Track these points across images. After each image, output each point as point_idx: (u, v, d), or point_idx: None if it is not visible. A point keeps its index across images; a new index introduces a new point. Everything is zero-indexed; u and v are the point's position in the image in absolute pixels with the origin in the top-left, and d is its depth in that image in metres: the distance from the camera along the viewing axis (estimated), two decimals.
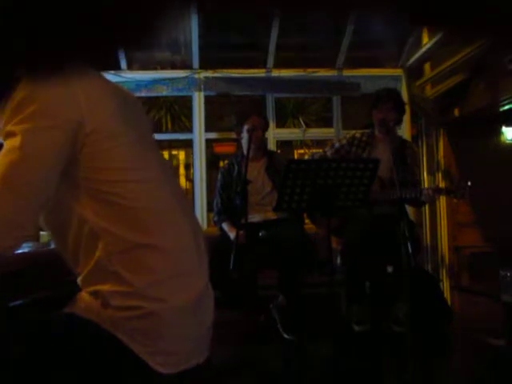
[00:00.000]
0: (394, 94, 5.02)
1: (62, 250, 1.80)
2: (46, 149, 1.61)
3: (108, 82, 1.85)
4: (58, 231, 1.78)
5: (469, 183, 4.46)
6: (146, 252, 1.70)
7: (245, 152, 5.00)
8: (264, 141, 5.46)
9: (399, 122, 5.05)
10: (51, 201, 1.68)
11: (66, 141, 1.64)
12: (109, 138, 1.70)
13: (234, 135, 5.50)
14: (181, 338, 1.75)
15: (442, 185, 7.02)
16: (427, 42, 6.81)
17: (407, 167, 4.97)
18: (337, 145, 5.12)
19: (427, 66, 7.26)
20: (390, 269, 4.93)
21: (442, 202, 7.28)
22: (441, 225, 7.33)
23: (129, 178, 1.72)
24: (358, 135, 5.13)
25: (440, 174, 7.30)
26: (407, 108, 5.39)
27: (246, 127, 5.07)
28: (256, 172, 5.16)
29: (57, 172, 1.64)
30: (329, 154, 5.08)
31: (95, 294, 1.69)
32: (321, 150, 5.27)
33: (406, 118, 6.85)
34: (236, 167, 5.24)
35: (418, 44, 6.97)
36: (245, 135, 5.07)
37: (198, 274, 1.86)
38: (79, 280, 1.75)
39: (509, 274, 4.59)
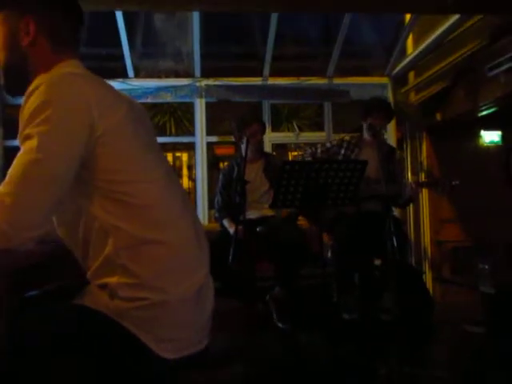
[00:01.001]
0: (385, 105, 5.07)
1: (73, 246, 1.79)
2: (60, 150, 1.60)
3: (114, 89, 1.84)
4: (69, 228, 1.78)
5: (454, 182, 4.45)
6: (152, 246, 1.69)
7: (243, 154, 4.99)
8: (262, 144, 5.48)
9: (385, 127, 5.10)
10: (65, 200, 1.67)
11: (79, 143, 1.63)
12: (118, 141, 1.70)
13: (233, 138, 5.49)
14: (184, 325, 1.74)
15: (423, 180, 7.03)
16: (412, 52, 6.81)
17: (393, 169, 4.99)
18: (328, 145, 5.16)
19: (411, 75, 7.27)
20: (377, 262, 4.93)
21: (425, 198, 7.28)
22: (424, 220, 7.32)
23: (138, 179, 1.72)
24: (347, 138, 5.16)
25: (423, 174, 7.30)
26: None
27: (246, 133, 5.05)
28: (254, 172, 5.18)
29: (70, 173, 1.63)
30: (319, 151, 5.09)
31: (104, 287, 1.69)
32: (313, 148, 5.26)
33: (392, 122, 6.85)
34: (236, 168, 5.25)
35: (403, 54, 6.97)
36: (244, 140, 5.07)
37: (200, 265, 1.85)
38: (88, 274, 1.74)
39: (486, 267, 4.60)
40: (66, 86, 1.66)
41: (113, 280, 1.67)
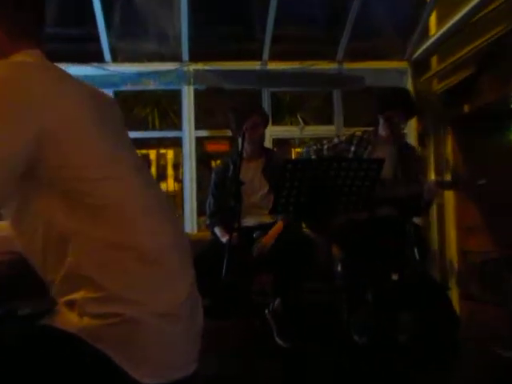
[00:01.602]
0: (407, 98, 5.04)
1: (33, 259, 1.80)
2: (5, 149, 1.63)
3: (72, 77, 1.88)
4: (26, 238, 1.78)
5: (480, 182, 4.44)
6: (118, 253, 1.70)
7: (240, 151, 4.99)
8: (263, 139, 5.45)
9: (405, 123, 5.10)
10: (17, 204, 1.70)
11: (27, 141, 1.66)
12: (74, 134, 1.71)
13: (227, 133, 5.50)
14: (166, 345, 1.75)
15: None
16: (434, 33, 6.83)
17: (410, 169, 4.99)
18: (335, 140, 5.15)
19: (434, 59, 7.28)
20: (394, 276, 4.94)
21: (450, 202, 7.29)
22: (449, 228, 7.33)
23: (101, 176, 1.73)
24: (358, 133, 5.15)
25: (448, 174, 7.31)
26: None
27: (245, 125, 5.02)
28: (252, 172, 5.17)
29: (16, 173, 1.66)
30: (325, 147, 5.09)
31: (71, 304, 1.70)
32: (318, 144, 5.26)
33: None
34: (231, 167, 5.23)
35: (424, 35, 6.98)
36: (245, 133, 5.06)
37: (182, 275, 1.86)
38: (52, 290, 1.75)
39: None
40: (15, 75, 1.70)
41: (79, 296, 1.68)
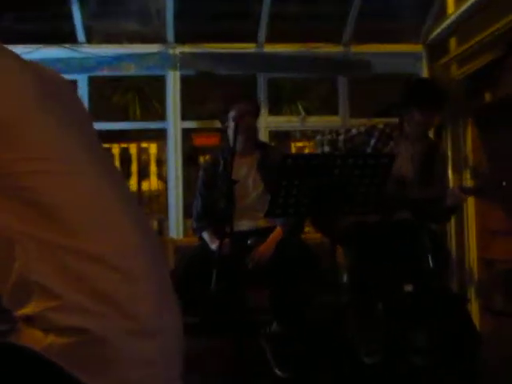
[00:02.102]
0: (439, 96, 5.03)
1: None
2: None
3: (17, 57, 1.84)
4: None
5: (504, 183, 4.43)
6: (73, 257, 1.67)
7: (231, 144, 4.98)
8: (255, 131, 5.43)
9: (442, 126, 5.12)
10: None
11: None
12: (15, 121, 1.69)
13: (217, 124, 5.48)
14: (138, 363, 1.72)
15: (470, 184, 7.03)
16: (453, 11, 6.82)
17: (435, 171, 4.98)
18: (353, 131, 5.13)
19: (453, 42, 7.27)
20: (408, 287, 4.93)
21: (470, 204, 7.28)
22: (469, 233, 7.33)
23: (49, 169, 1.70)
24: (380, 126, 5.14)
25: (468, 172, 7.31)
26: None
27: (231, 114, 5.05)
28: (245, 169, 5.17)
29: None
30: (341, 138, 5.08)
31: (29, 319, 1.67)
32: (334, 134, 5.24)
33: None
34: (221, 163, 5.22)
35: (442, 14, 6.98)
36: (231, 124, 5.06)
37: (149, 281, 1.83)
38: (4, 302, 1.73)
39: None
40: None
41: (34, 307, 1.66)
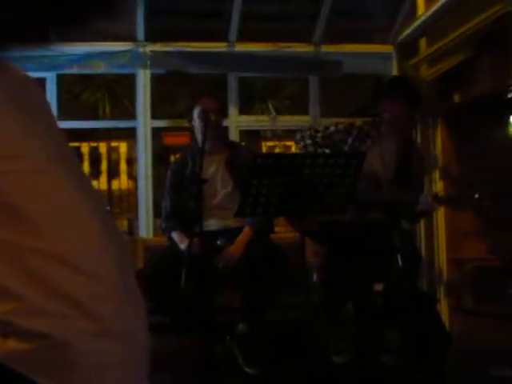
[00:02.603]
0: (410, 89, 5.06)
1: None
2: None
3: None
4: None
5: (476, 195, 4.44)
6: (36, 258, 1.66)
7: (199, 143, 4.97)
8: (223, 129, 5.41)
9: (414, 123, 5.11)
10: None
11: None
12: None
13: (186, 123, 5.47)
14: (103, 366, 1.71)
15: (439, 185, 7.07)
16: (424, 12, 6.85)
17: (411, 171, 4.99)
18: (332, 128, 5.12)
19: (423, 42, 7.30)
20: (378, 287, 4.95)
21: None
22: (438, 233, 7.36)
23: (3, 168, 1.69)
24: (358, 123, 5.14)
25: (437, 173, 7.35)
26: None
27: (195, 112, 5.05)
28: (214, 168, 5.15)
29: None
30: (319, 135, 5.07)
31: None
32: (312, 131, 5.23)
33: None
34: (190, 163, 5.21)
35: (412, 15, 7.00)
36: (196, 122, 5.06)
37: (114, 284, 1.82)
38: None
39: None
40: None
41: None
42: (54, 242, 1.69)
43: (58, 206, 1.74)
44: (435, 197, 4.75)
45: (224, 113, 5.33)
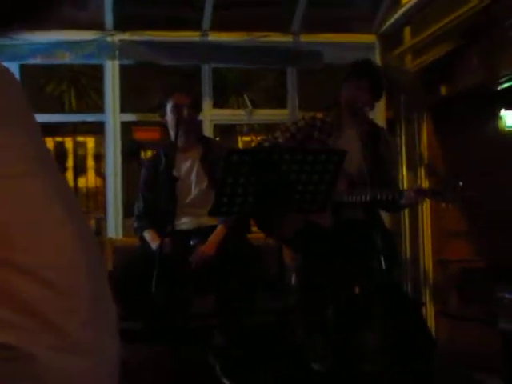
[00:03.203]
0: (372, 70, 5.10)
1: None
2: None
3: None
4: None
5: (460, 183, 4.47)
6: (2, 270, 1.67)
7: (172, 139, 4.99)
8: (197, 124, 5.44)
9: (371, 106, 5.11)
10: None
11: None
12: None
13: (157, 117, 5.49)
14: (69, 382, 1.73)
15: (425, 184, 7.09)
16: (408, 0, 6.89)
17: (381, 160, 5.00)
18: (293, 129, 5.11)
19: (407, 32, 7.33)
20: (359, 289, 4.98)
21: (426, 203, 7.33)
22: (424, 233, 7.40)
23: None
24: (319, 116, 5.15)
25: (422, 170, 7.38)
26: None
27: (168, 107, 5.09)
28: (188, 165, 5.16)
29: None
30: (282, 140, 5.07)
31: None
32: (270, 136, 5.25)
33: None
34: (163, 159, 5.22)
35: (396, 3, 7.04)
36: (169, 117, 5.08)
37: (83, 298, 1.84)
38: None
39: (506, 296, 4.69)
40: None
41: None
42: (24, 254, 1.70)
43: (29, 215, 1.75)
44: (417, 190, 4.78)
45: (198, 108, 5.35)
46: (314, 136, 5.03)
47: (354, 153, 4.64)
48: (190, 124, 5.13)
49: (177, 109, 5.02)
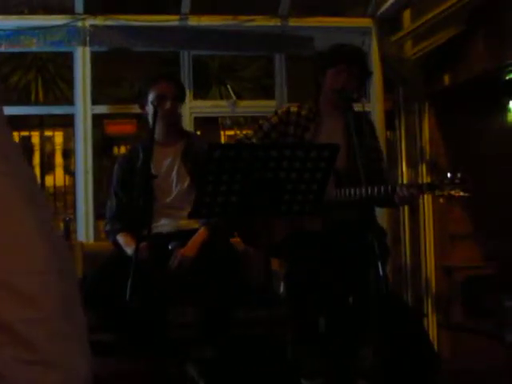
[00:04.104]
0: (358, 55, 5.08)
1: None
2: None
3: None
4: None
5: (459, 174, 4.44)
6: None
7: (151, 133, 4.97)
8: (178, 117, 5.42)
9: (361, 93, 5.09)
10: None
11: None
12: None
13: (134, 109, 5.48)
14: None
15: (426, 181, 7.08)
16: None
17: (368, 151, 4.94)
18: (266, 126, 5.06)
19: (407, 15, 7.35)
20: (354, 299, 4.97)
21: (428, 204, 7.35)
22: (425, 236, 7.41)
23: None
24: (294, 109, 5.10)
25: (424, 167, 7.39)
26: (378, 74, 5.42)
27: (150, 97, 5.06)
28: (168, 162, 5.15)
29: None
30: (255, 140, 5.02)
31: None
32: (243, 134, 5.24)
33: (378, 87, 6.93)
34: (141, 155, 5.18)
35: None
36: (150, 109, 5.05)
37: (53, 310, 1.83)
38: None
39: None
40: None
41: None
42: None
43: None
44: (413, 185, 4.77)
45: (182, 99, 5.32)
46: (289, 133, 5.00)
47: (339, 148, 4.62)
48: (171, 116, 5.12)
49: (159, 99, 5.00)
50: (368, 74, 5.10)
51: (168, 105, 5.07)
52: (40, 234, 1.85)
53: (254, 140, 5.01)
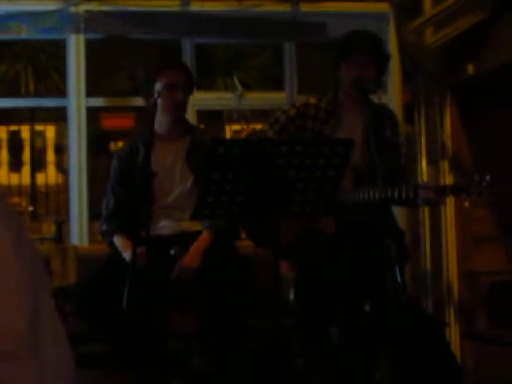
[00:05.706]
0: (373, 41, 5.07)
1: None
2: None
3: None
4: None
5: (487, 177, 4.44)
6: None
7: (150, 125, 4.95)
8: (185, 109, 5.34)
9: (379, 83, 5.09)
10: None
11: None
12: None
13: (132, 102, 5.48)
14: None
15: (448, 180, 7.09)
16: None
17: (389, 148, 4.94)
18: (283, 119, 5.07)
19: (427, 0, 7.34)
20: (369, 307, 4.97)
21: (449, 204, 7.34)
22: (447, 239, 7.41)
23: None
24: (312, 101, 5.11)
25: (446, 164, 7.39)
26: (396, 63, 5.41)
27: (158, 87, 4.99)
28: (171, 158, 5.14)
29: None
30: (270, 134, 5.03)
31: None
32: (258, 128, 5.24)
33: (396, 78, 6.92)
34: (142, 151, 5.15)
35: None
36: (159, 99, 4.98)
37: (23, 344, 1.84)
38: None
39: None
40: None
41: None
42: None
43: None
44: (438, 188, 4.76)
45: (192, 89, 5.28)
46: (307, 126, 5.01)
47: (356, 142, 4.62)
48: (180, 108, 5.10)
49: (169, 89, 4.97)
50: (386, 59, 5.09)
51: (178, 97, 5.03)
52: (19, 271, 1.85)
53: (269, 134, 5.01)
